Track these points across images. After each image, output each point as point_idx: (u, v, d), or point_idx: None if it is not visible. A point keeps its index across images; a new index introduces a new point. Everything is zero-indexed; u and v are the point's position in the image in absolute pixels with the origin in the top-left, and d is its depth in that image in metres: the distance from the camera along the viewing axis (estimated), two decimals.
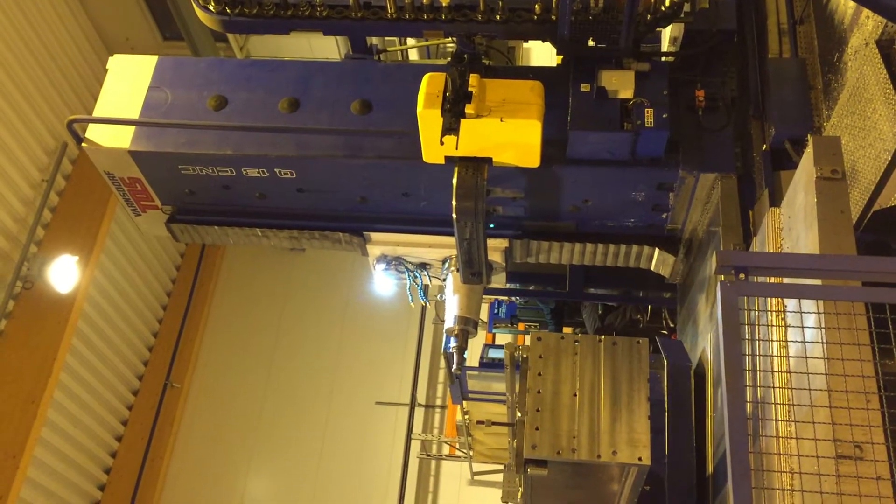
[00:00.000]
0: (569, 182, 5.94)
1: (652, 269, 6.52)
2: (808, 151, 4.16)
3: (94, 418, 12.98)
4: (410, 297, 6.84)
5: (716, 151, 5.82)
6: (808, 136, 5.44)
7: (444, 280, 6.62)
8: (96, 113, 5.94)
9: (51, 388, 11.57)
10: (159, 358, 14.40)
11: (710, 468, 5.30)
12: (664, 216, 6.18)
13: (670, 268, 6.42)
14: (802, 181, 4.23)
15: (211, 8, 5.63)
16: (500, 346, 10.89)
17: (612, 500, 5.62)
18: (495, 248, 6.37)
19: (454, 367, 6.48)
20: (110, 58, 6.10)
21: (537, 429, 5.01)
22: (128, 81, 6.01)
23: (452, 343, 6.42)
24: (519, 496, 6.61)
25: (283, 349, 14.90)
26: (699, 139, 5.85)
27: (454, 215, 5.59)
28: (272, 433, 14.22)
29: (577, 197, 6.07)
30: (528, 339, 5.38)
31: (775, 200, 5.44)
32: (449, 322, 6.39)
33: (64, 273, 11.54)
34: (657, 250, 6.36)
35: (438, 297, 6.97)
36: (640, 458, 4.87)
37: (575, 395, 5.09)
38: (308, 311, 15.12)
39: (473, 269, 6.16)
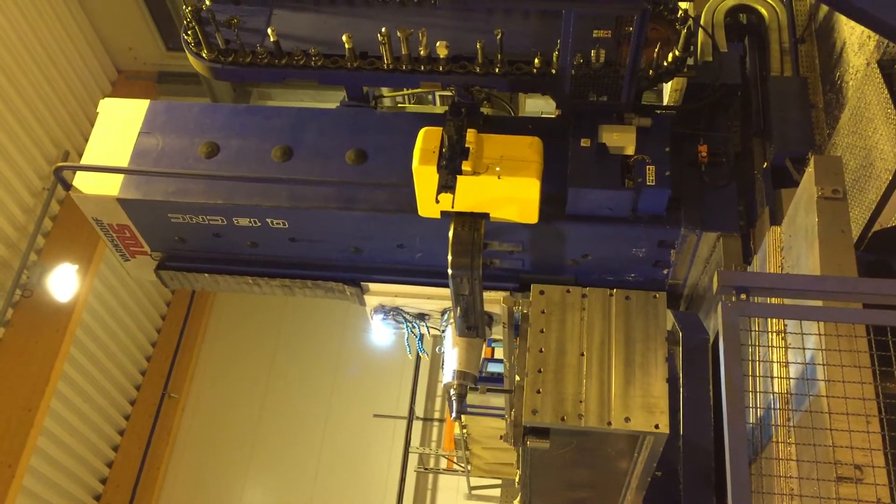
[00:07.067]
0: (568, 237, 5.79)
1: None
2: (810, 171, 4.13)
3: (91, 427, 12.97)
4: (408, 349, 6.71)
5: (719, 209, 5.65)
6: (810, 154, 5.35)
7: (443, 332, 6.49)
8: (85, 158, 5.80)
9: (48, 396, 11.59)
10: (157, 368, 14.37)
11: None
12: (665, 272, 6.04)
13: (672, 323, 6.28)
14: (803, 200, 4.20)
15: (204, 55, 5.49)
16: (500, 360, 10.76)
17: (621, 480, 5.07)
18: (495, 301, 6.24)
19: (454, 415, 6.37)
20: (101, 101, 5.97)
21: (539, 392, 4.51)
22: (118, 126, 5.85)
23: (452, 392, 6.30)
24: (516, 479, 6.33)
25: (282, 359, 14.84)
26: (702, 196, 5.68)
27: (450, 271, 5.46)
28: (269, 444, 14.19)
29: (577, 252, 5.92)
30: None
31: (776, 219, 5.36)
32: (448, 377, 6.25)
33: (63, 282, 11.53)
34: None
35: (437, 349, 6.82)
36: (656, 426, 4.33)
37: (582, 354, 4.65)
38: (307, 322, 15.05)
39: (470, 323, 6.03)
